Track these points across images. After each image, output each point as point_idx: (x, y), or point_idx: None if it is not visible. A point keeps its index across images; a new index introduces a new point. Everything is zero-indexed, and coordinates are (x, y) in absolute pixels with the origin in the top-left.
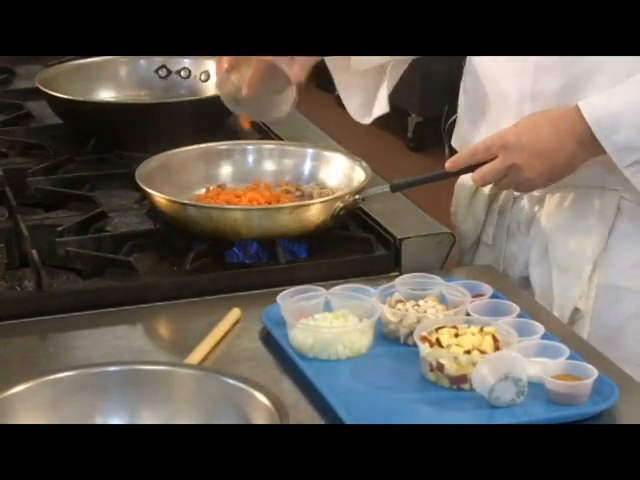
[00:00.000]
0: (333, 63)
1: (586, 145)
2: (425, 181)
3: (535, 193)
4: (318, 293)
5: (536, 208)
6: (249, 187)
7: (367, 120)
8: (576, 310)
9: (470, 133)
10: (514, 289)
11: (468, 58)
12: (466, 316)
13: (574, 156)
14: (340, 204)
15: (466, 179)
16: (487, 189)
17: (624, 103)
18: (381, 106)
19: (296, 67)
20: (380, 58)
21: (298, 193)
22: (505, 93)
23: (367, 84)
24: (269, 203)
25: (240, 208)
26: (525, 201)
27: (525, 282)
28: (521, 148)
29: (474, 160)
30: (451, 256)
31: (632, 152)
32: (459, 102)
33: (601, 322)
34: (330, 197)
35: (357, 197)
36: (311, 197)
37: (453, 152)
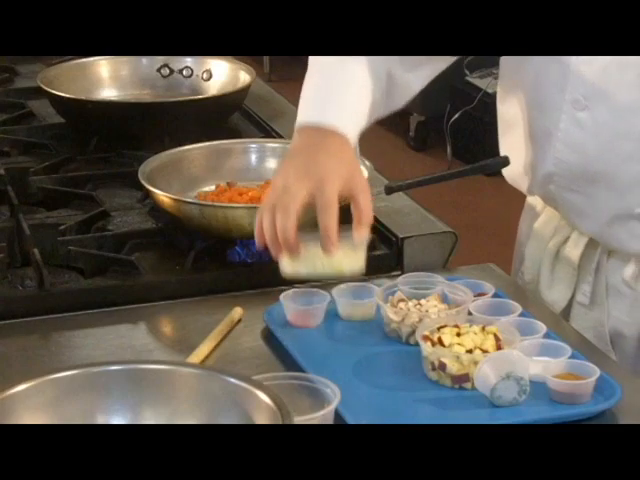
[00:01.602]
0: None
1: None
2: (422, 183)
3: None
4: (322, 297)
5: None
6: (260, 186)
7: None
8: None
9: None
10: (516, 288)
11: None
12: (468, 315)
13: None
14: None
15: (541, 241)
16: (576, 250)
17: None
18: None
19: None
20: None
21: None
22: (624, 153)
23: None
24: None
25: (243, 207)
26: (622, 256)
27: None
28: None
29: None
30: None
31: None
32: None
33: None
34: None
35: None
36: None
37: (455, 151)
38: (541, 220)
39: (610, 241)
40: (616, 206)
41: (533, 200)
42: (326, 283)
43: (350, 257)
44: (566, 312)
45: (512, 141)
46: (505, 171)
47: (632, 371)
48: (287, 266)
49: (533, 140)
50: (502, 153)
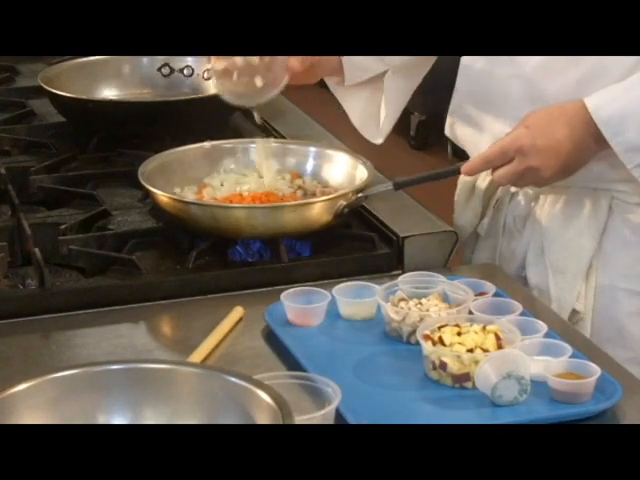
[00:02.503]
0: (331, 80)
1: (600, 141)
2: (428, 179)
3: (530, 190)
4: (322, 296)
5: (532, 204)
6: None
7: (378, 140)
8: (575, 312)
9: (472, 135)
10: (517, 287)
11: (462, 60)
12: (469, 314)
13: (589, 151)
14: (344, 202)
15: (463, 179)
16: (485, 183)
17: (630, 102)
18: (389, 122)
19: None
20: (370, 67)
21: (300, 192)
22: (505, 94)
23: (368, 102)
24: (270, 201)
25: (243, 206)
26: (521, 197)
27: (523, 282)
28: (537, 150)
29: (490, 166)
30: (454, 254)
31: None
32: (452, 102)
33: (602, 323)
34: (334, 195)
35: (360, 195)
36: (314, 195)
37: (455, 150)
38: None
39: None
40: (497, 130)
41: None
42: (327, 282)
43: None
44: (472, 243)
45: None
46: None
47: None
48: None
49: None
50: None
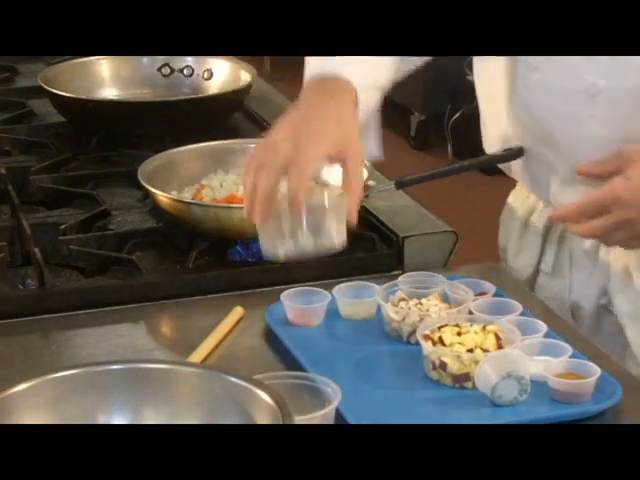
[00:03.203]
0: None
1: None
2: (430, 178)
3: None
4: (322, 296)
5: None
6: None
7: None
8: None
9: (539, 173)
10: (517, 287)
11: (522, 98)
12: (469, 314)
13: None
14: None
15: (512, 212)
16: (542, 219)
17: None
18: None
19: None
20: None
21: None
22: (584, 136)
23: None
24: None
25: (244, 207)
26: None
27: (604, 311)
28: (636, 204)
29: (583, 216)
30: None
31: None
32: (482, 110)
33: None
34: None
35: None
36: None
37: (455, 150)
38: (514, 191)
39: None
40: (563, 168)
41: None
42: (327, 282)
43: (332, 229)
44: (531, 281)
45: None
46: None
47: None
48: (266, 241)
49: (497, 103)
50: (483, 131)
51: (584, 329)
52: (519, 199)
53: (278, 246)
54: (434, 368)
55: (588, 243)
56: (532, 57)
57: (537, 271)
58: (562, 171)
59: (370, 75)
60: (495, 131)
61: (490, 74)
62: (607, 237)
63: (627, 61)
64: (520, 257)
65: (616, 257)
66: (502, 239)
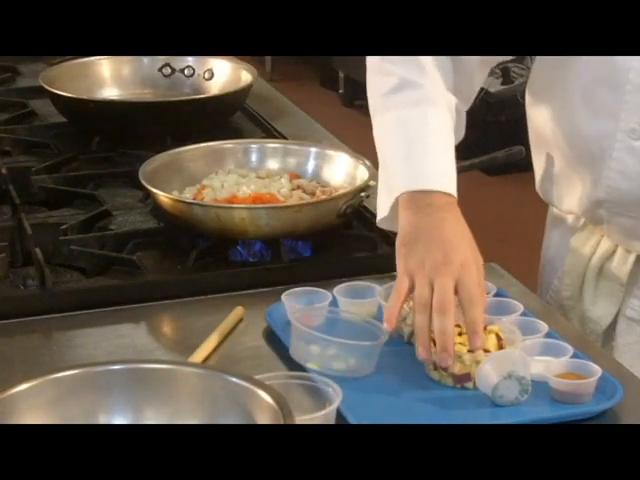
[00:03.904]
0: None
1: None
2: None
3: None
4: (323, 296)
5: None
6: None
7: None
8: None
9: (629, 226)
10: (518, 288)
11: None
12: None
13: None
14: (346, 202)
15: (582, 260)
16: (626, 266)
17: None
18: None
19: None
20: None
21: (299, 191)
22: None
23: None
24: (271, 201)
25: (249, 207)
26: None
27: None
28: None
29: None
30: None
31: None
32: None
33: None
34: (337, 194)
35: (362, 194)
36: (313, 195)
37: (456, 150)
38: (581, 235)
39: None
40: None
41: (560, 212)
42: (328, 283)
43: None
44: (611, 328)
45: (548, 159)
46: (540, 186)
47: None
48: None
49: (579, 164)
50: (536, 167)
51: None
52: (589, 242)
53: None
54: (435, 368)
55: None
56: (636, 123)
57: (617, 318)
58: None
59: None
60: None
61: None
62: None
63: None
64: (598, 305)
65: None
66: (569, 287)
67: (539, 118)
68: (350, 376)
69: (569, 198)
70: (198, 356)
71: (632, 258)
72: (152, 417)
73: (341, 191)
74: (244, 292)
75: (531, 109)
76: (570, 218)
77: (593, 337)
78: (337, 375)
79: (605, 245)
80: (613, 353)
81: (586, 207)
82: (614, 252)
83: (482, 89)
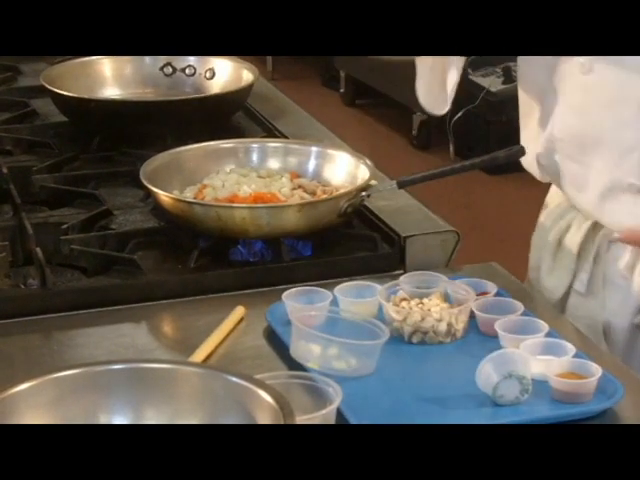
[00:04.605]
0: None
1: None
2: (432, 177)
3: None
4: (324, 296)
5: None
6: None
7: (444, 109)
8: None
9: (574, 171)
10: (518, 287)
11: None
12: (471, 314)
13: None
14: (348, 201)
15: (545, 232)
16: (578, 238)
17: None
18: (453, 86)
19: None
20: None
21: (300, 191)
22: (621, 120)
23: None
24: (272, 201)
25: (250, 206)
26: (620, 245)
27: (639, 330)
28: None
29: None
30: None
31: None
32: (549, 138)
33: None
34: (338, 194)
35: (363, 194)
36: (314, 195)
37: (457, 150)
38: (546, 211)
39: (604, 217)
40: (610, 176)
41: (548, 198)
42: (328, 282)
43: None
44: (563, 300)
45: (532, 124)
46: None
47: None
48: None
49: (544, 110)
50: (522, 137)
51: (617, 349)
52: (551, 219)
53: None
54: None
55: (623, 262)
56: (587, 59)
57: (569, 291)
58: (603, 180)
59: None
60: (534, 132)
61: (533, 77)
62: None
63: None
64: (553, 277)
65: None
66: (533, 259)
67: (526, 84)
68: (351, 376)
69: (532, 146)
70: (198, 356)
71: (584, 228)
72: (152, 417)
73: (342, 190)
74: (245, 291)
75: (520, 81)
76: (551, 205)
77: (549, 306)
78: (338, 375)
79: (566, 216)
80: None
81: (545, 151)
82: (571, 224)
83: (483, 88)
